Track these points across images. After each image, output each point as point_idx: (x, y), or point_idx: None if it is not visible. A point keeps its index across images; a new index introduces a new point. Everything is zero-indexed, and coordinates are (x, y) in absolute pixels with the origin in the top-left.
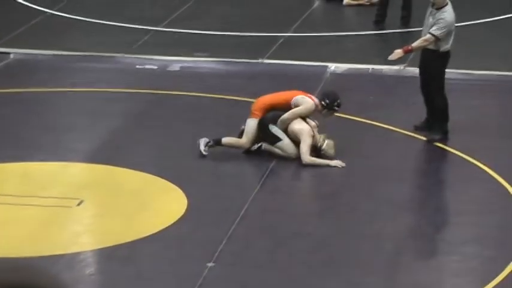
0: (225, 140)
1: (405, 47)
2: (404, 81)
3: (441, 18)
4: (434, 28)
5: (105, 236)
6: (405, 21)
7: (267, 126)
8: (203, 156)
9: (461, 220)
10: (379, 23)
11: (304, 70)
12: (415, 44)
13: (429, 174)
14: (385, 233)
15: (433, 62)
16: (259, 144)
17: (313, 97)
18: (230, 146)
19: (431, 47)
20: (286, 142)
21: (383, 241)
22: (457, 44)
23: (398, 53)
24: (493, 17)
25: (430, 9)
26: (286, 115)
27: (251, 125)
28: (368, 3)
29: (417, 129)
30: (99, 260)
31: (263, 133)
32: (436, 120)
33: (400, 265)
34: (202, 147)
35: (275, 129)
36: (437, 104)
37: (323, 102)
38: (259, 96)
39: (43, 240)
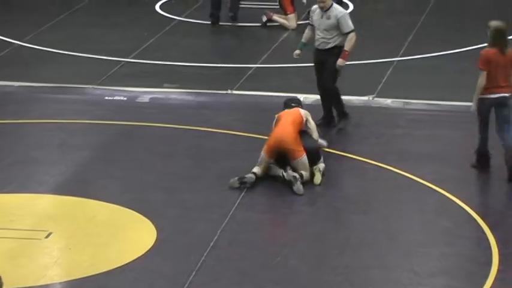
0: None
1: (343, 55)
2: (373, 111)
3: (341, 15)
4: (346, 25)
5: (74, 268)
6: None
7: (318, 150)
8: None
9: (430, 251)
10: (215, 22)
11: (274, 101)
12: (349, 48)
13: (398, 204)
14: (354, 264)
15: (335, 57)
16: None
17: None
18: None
19: (337, 43)
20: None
21: (352, 272)
22: (424, 75)
23: (341, 62)
24: (461, 48)
25: (320, 12)
26: (316, 135)
27: (306, 162)
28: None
29: (330, 124)
30: None
31: (317, 158)
32: (338, 109)
33: None
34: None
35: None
36: (334, 93)
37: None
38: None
39: (11, 273)
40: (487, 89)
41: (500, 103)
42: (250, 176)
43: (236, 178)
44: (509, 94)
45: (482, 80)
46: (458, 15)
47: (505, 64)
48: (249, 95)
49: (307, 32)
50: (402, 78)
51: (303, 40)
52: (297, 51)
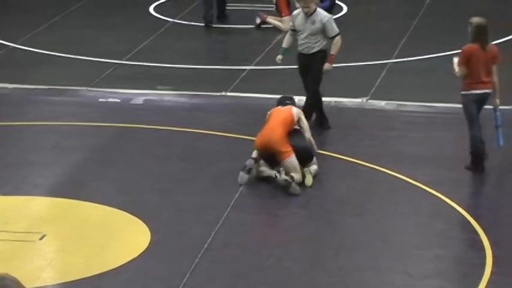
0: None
1: (330, 58)
2: (366, 114)
3: (326, 20)
4: (332, 28)
5: (68, 270)
6: None
7: (308, 150)
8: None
9: (424, 253)
10: (209, 23)
11: (267, 103)
12: (335, 52)
13: (392, 206)
14: (348, 266)
15: (320, 61)
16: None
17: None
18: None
19: (322, 47)
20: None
21: (345, 274)
22: (418, 77)
23: (328, 66)
24: (455, 50)
25: (303, 17)
26: (308, 134)
27: (295, 162)
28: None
29: (323, 126)
30: None
31: (308, 158)
32: (313, 110)
33: None
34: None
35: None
36: (316, 96)
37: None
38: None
39: None
40: (469, 85)
41: (482, 99)
42: (250, 163)
43: (242, 172)
44: (491, 90)
45: (460, 74)
46: (452, 17)
47: (486, 60)
48: (243, 97)
49: (288, 38)
50: (396, 80)
51: (284, 45)
52: (279, 57)
